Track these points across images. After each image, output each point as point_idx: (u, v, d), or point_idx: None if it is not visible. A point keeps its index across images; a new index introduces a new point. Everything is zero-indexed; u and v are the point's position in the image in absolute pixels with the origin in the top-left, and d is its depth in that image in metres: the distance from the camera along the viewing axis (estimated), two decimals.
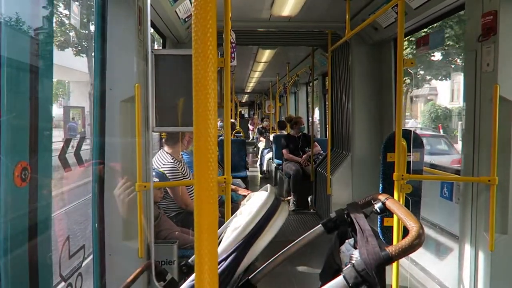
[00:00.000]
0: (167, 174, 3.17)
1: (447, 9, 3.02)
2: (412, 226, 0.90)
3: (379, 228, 2.68)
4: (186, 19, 3.69)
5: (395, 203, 1.11)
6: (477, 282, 2.34)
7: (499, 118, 2.15)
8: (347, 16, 3.66)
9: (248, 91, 15.07)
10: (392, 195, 2.41)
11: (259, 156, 9.92)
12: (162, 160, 3.34)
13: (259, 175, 9.15)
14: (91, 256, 2.30)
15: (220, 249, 0.98)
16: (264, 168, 8.89)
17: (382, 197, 1.18)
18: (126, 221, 2.27)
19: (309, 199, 5.84)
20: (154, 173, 2.94)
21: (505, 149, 2.21)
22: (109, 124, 2.28)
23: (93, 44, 2.31)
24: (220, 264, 0.95)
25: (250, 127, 15.83)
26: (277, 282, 3.22)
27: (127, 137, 2.27)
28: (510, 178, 2.21)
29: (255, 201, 1.11)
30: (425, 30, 3.70)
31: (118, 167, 2.28)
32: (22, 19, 1.61)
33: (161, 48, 4.04)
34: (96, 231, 2.30)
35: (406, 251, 0.88)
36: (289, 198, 5.93)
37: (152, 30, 3.46)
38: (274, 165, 7.59)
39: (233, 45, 2.89)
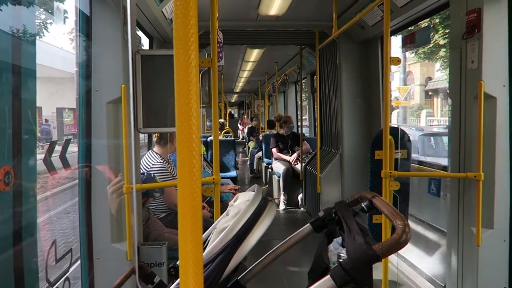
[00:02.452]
0: (157, 175, 3.14)
1: (432, 7, 3.05)
2: (398, 224, 0.90)
3: (368, 226, 2.69)
4: (173, 19, 3.66)
5: (381, 201, 1.11)
6: (464, 276, 2.37)
7: (484, 114, 2.18)
8: (334, 15, 3.67)
9: (238, 91, 15.06)
10: (381, 193, 2.43)
11: (249, 156, 9.91)
12: (151, 160, 3.32)
13: (249, 175, 9.15)
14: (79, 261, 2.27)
15: (207, 250, 0.97)
16: (254, 167, 8.89)
17: (369, 195, 1.19)
18: (114, 224, 2.24)
19: (299, 197, 5.86)
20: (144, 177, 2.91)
21: (490, 145, 2.24)
22: (96, 126, 2.25)
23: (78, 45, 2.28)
24: (207, 266, 0.94)
25: (240, 126, 15.82)
26: (267, 282, 3.22)
27: (114, 138, 2.24)
28: (495, 174, 2.24)
29: (242, 202, 1.11)
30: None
31: (105, 170, 2.25)
32: (3, 19, 1.57)
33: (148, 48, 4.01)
34: (84, 234, 2.27)
35: (392, 249, 0.88)
36: (276, 198, 5.95)
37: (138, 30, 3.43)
38: (264, 164, 7.59)
39: (220, 44, 2.87)
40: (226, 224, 1.03)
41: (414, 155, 6.13)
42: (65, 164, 2.08)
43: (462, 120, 2.37)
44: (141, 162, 3.27)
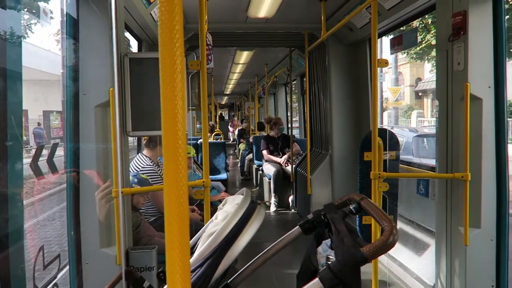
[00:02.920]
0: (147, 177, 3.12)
1: (419, 10, 3.08)
2: (385, 226, 0.91)
3: (358, 227, 2.71)
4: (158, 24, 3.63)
5: (369, 204, 1.12)
6: (453, 276, 2.39)
7: (470, 115, 2.21)
8: (322, 17, 3.70)
9: (228, 93, 15.04)
10: (370, 194, 2.45)
11: (239, 158, 9.90)
12: (141, 163, 3.30)
13: (240, 177, 9.14)
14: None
15: (195, 255, 0.97)
16: (245, 169, 8.88)
17: (357, 197, 1.19)
18: (103, 228, 2.22)
19: (290, 199, 5.87)
20: (136, 180, 2.89)
21: (477, 145, 2.27)
22: (84, 129, 2.23)
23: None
24: (196, 271, 0.94)
25: (230, 129, 15.80)
26: (257, 285, 3.21)
27: (103, 142, 2.22)
28: (482, 174, 2.27)
29: (231, 205, 1.11)
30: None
31: (93, 174, 2.23)
32: None
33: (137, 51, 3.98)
34: (72, 239, 2.24)
35: (380, 251, 0.89)
36: (267, 201, 5.97)
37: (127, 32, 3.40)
38: (254, 166, 7.59)
39: (210, 47, 2.87)
40: (214, 228, 1.03)
41: (408, 157, 6.13)
42: (53, 168, 2.05)
43: (449, 121, 2.40)
44: (131, 165, 3.24)
